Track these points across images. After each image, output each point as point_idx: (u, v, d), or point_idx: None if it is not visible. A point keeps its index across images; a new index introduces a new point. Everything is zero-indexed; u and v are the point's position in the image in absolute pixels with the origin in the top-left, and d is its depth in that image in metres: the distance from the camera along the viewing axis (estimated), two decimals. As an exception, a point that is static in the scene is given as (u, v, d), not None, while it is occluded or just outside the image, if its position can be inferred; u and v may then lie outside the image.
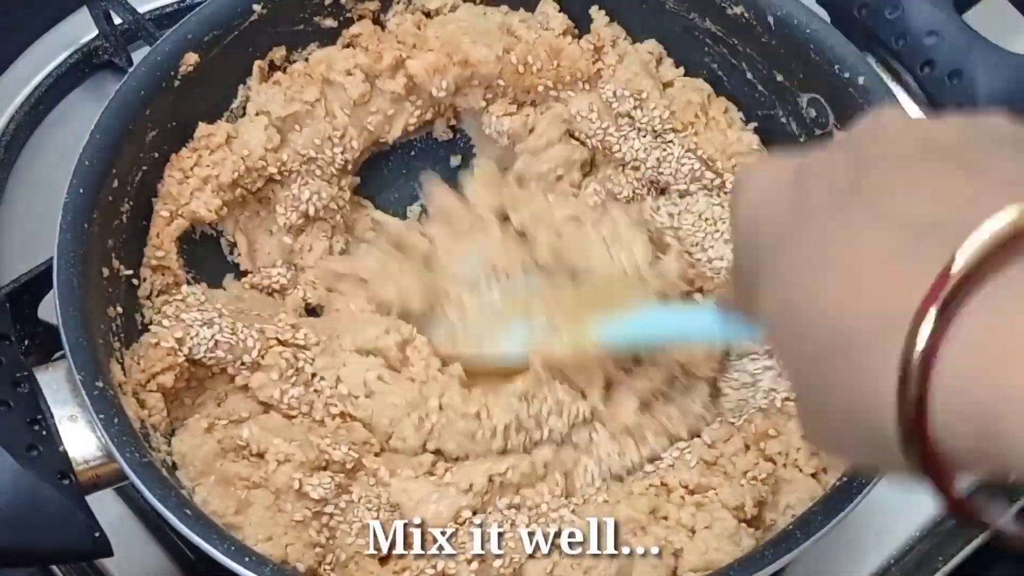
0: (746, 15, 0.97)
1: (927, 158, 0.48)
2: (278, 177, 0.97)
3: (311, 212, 0.97)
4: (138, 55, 1.12)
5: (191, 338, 0.87)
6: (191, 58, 0.93)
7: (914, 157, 0.49)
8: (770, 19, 0.95)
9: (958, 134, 0.49)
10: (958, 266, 0.42)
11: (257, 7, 0.95)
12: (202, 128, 0.95)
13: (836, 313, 0.45)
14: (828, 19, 0.96)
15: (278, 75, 0.98)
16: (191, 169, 0.94)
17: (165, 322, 0.88)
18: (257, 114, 0.96)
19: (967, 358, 0.41)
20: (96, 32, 1.16)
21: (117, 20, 1.14)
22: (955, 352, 0.41)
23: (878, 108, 0.59)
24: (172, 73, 0.92)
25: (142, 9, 1.15)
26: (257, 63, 0.98)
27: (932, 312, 0.42)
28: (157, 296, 0.92)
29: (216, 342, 0.88)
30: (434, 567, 0.82)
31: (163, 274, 0.93)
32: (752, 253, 0.55)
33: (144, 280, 0.92)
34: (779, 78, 0.98)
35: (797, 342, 0.48)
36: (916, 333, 0.41)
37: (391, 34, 0.99)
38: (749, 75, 1.00)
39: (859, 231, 0.46)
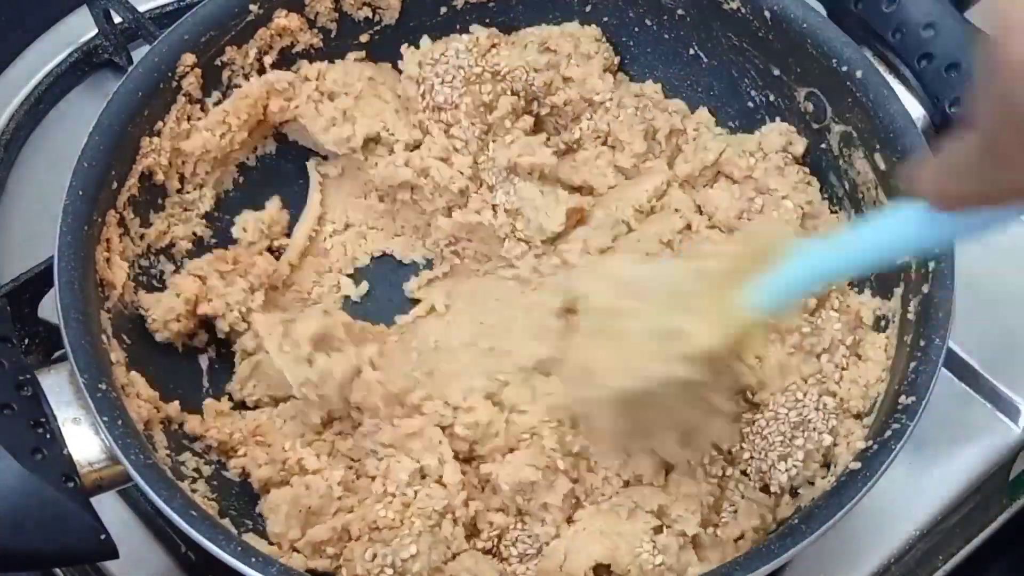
0: (743, 10, 0.97)
1: None
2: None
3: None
4: (138, 54, 1.12)
5: None
6: (188, 59, 0.93)
7: None
8: (767, 14, 0.95)
9: None
10: None
11: (254, 7, 0.96)
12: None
13: None
14: (824, 13, 0.96)
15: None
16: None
17: None
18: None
19: None
20: (96, 31, 1.16)
21: (117, 19, 1.14)
22: None
23: None
24: (170, 74, 0.92)
25: (142, 8, 1.15)
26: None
27: None
28: None
29: None
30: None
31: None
32: None
33: None
34: (776, 72, 0.98)
35: None
36: None
37: None
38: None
39: None
